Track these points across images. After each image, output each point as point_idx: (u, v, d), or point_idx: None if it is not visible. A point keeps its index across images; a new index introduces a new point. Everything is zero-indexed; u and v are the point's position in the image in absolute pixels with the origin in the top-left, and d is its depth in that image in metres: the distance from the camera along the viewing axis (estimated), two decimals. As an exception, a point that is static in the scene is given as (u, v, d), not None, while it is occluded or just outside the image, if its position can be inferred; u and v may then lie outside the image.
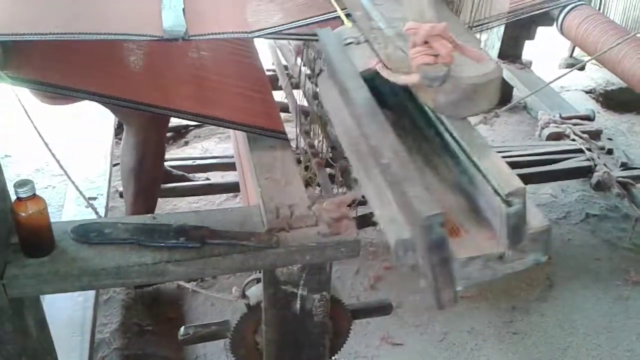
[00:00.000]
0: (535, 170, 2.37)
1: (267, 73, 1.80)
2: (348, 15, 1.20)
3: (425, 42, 0.83)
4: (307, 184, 1.97)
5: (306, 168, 1.60)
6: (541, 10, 1.64)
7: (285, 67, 2.02)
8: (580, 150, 2.47)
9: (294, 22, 1.26)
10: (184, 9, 1.25)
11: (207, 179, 2.54)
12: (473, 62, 0.86)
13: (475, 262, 0.84)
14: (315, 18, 1.24)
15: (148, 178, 2.05)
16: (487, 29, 1.50)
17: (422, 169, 0.99)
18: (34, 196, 1.06)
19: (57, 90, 1.18)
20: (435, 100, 0.91)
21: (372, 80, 1.07)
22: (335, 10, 1.23)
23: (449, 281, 0.82)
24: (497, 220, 0.83)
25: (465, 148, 0.89)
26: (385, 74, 0.96)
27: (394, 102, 1.14)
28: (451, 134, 0.93)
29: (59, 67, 1.22)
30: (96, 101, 1.34)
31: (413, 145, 1.05)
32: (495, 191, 0.81)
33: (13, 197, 1.09)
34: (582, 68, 3.54)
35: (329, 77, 1.17)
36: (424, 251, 0.80)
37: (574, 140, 2.52)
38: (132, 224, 1.19)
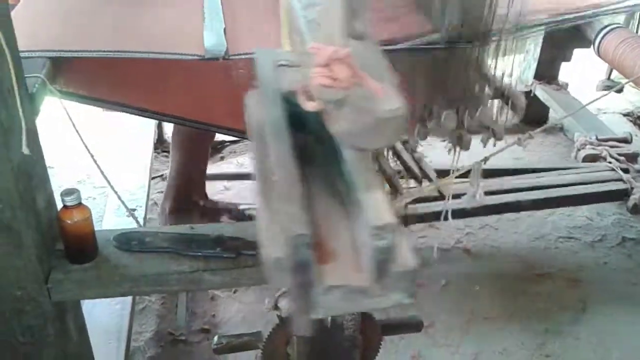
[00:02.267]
0: (570, 193, 2.35)
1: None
2: None
3: (327, 65, 0.83)
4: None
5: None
6: (578, 22, 1.63)
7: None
8: (617, 173, 2.44)
9: None
10: (224, 29, 1.30)
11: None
12: (378, 97, 0.85)
13: (338, 291, 0.82)
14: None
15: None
16: (524, 37, 1.51)
17: (319, 192, 0.99)
18: (79, 204, 1.12)
19: (105, 104, 1.24)
20: (338, 127, 0.90)
21: (296, 104, 1.07)
22: None
23: (307, 306, 0.81)
24: (366, 253, 0.81)
25: (353, 177, 0.89)
26: (299, 96, 0.97)
27: (315, 128, 1.12)
28: (347, 163, 0.93)
29: (106, 83, 1.28)
30: (142, 116, 1.39)
31: (321, 171, 1.04)
32: (368, 224, 0.80)
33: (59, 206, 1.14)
34: (619, 90, 3.51)
35: (257, 94, 1.19)
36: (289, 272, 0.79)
37: (610, 162, 2.49)
38: (171, 234, 1.24)
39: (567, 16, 1.48)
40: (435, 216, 1.92)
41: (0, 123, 0.97)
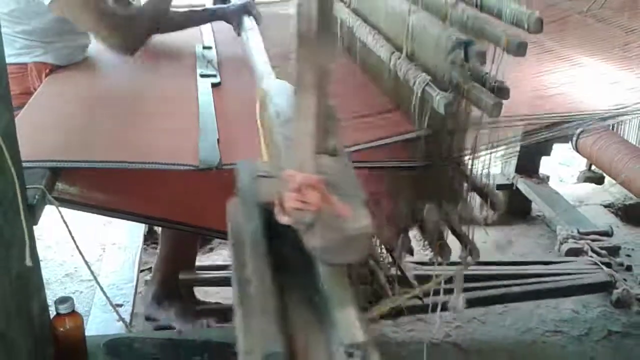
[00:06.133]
0: (554, 286, 2.39)
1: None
2: None
3: (299, 190, 0.90)
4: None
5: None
6: (554, 134, 1.73)
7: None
8: (599, 267, 2.49)
9: None
10: (218, 140, 1.37)
11: None
12: (345, 218, 0.92)
13: None
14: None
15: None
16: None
17: (296, 306, 1.02)
18: (72, 312, 1.14)
19: (100, 211, 1.29)
20: (311, 243, 0.95)
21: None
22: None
23: None
24: None
25: (326, 293, 0.93)
26: (275, 208, 1.04)
27: (293, 238, 1.18)
28: (322, 277, 0.97)
29: (102, 191, 1.33)
30: (136, 221, 1.44)
31: (296, 282, 1.06)
32: (340, 341, 0.83)
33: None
34: (600, 182, 3.62)
35: (238, 204, 1.24)
36: None
37: (591, 257, 2.55)
38: (159, 339, 1.26)
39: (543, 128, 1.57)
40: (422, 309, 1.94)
41: (1, 235, 1.01)
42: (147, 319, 2.21)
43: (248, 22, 2.13)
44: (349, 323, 0.86)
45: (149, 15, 1.85)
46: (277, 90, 1.42)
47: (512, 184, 3.22)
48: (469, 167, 1.45)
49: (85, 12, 1.69)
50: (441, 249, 1.37)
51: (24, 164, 1.12)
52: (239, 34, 2.15)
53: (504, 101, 1.25)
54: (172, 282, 2.23)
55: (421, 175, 1.43)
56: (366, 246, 0.97)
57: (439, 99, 1.28)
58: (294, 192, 0.91)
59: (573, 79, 1.86)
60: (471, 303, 2.16)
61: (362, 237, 0.95)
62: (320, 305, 1.00)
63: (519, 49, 1.18)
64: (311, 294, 1.03)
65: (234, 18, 2.20)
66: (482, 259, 2.25)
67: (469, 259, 1.37)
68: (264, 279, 0.93)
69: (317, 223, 0.91)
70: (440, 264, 1.44)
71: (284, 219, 0.97)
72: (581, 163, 3.58)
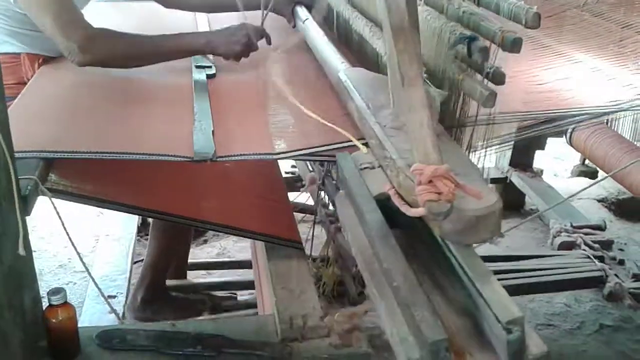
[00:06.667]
0: (547, 280, 2.40)
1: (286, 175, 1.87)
2: (365, 144, 1.30)
3: (430, 182, 0.91)
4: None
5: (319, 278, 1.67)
6: (546, 130, 1.73)
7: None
8: (592, 261, 2.50)
9: (317, 147, 1.37)
10: (213, 131, 1.37)
11: (234, 294, 2.51)
12: (478, 199, 0.94)
13: None
14: (336, 145, 1.36)
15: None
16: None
17: (430, 290, 1.05)
18: (65, 303, 1.14)
19: (94, 202, 1.28)
20: (441, 228, 0.98)
21: (384, 202, 1.15)
22: (355, 138, 1.34)
23: None
24: (499, 346, 0.87)
25: (469, 274, 0.95)
26: (396, 201, 1.05)
27: (405, 222, 1.21)
28: (457, 259, 1.00)
29: (96, 182, 1.32)
30: (131, 213, 1.43)
31: (422, 266, 1.11)
32: (497, 319, 0.86)
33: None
34: (594, 177, 3.63)
35: (345, 197, 1.26)
36: None
37: (584, 250, 2.56)
38: (152, 331, 1.26)
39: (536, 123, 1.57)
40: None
41: (-7, 227, 1.00)
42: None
43: (302, 11, 2.06)
44: (501, 299, 0.88)
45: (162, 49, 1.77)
46: (357, 80, 1.42)
47: (506, 178, 3.23)
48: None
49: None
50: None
51: (16, 155, 1.11)
52: (294, 26, 2.10)
53: (498, 98, 1.25)
54: (161, 286, 2.22)
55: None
56: (499, 223, 0.98)
57: (435, 95, 1.28)
58: (426, 185, 0.92)
59: (568, 75, 1.86)
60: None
61: (495, 213, 0.97)
62: (446, 289, 1.03)
63: (514, 46, 1.17)
64: (441, 280, 1.06)
65: (286, 8, 2.11)
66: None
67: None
68: (405, 271, 0.95)
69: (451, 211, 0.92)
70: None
71: (412, 212, 0.98)
72: (575, 157, 3.59)
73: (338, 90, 1.55)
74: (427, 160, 0.96)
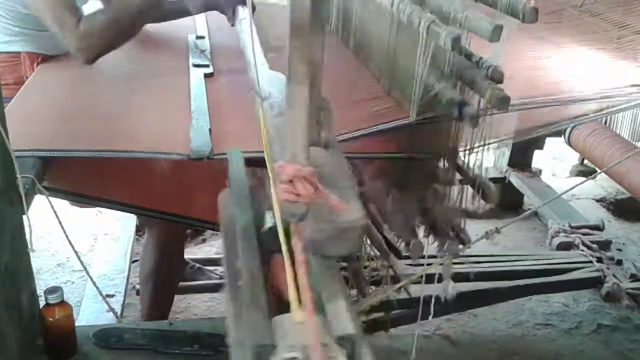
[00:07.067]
0: (545, 280, 2.39)
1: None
2: None
3: (290, 181, 0.89)
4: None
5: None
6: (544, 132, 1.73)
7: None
8: (590, 261, 2.50)
9: None
10: (210, 129, 1.36)
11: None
12: (338, 211, 0.92)
13: None
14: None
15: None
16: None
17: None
18: (62, 302, 1.14)
19: (90, 201, 1.28)
20: (303, 238, 0.94)
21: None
22: None
23: None
24: None
25: (317, 286, 0.92)
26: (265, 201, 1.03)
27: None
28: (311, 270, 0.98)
29: (93, 180, 1.32)
30: (127, 212, 1.43)
31: None
32: (331, 334, 0.83)
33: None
34: (592, 177, 3.63)
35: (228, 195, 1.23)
36: None
37: (582, 251, 2.56)
38: (149, 330, 1.26)
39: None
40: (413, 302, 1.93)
41: (-10, 225, 1.00)
42: None
43: (242, 12, 2.10)
44: (339, 315, 0.87)
45: (135, 9, 1.77)
46: (270, 82, 1.41)
47: (504, 177, 3.23)
48: (463, 158, 1.46)
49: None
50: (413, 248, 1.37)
51: (15, 153, 1.11)
52: (232, 25, 2.13)
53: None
54: (169, 278, 2.21)
55: (414, 165, 1.43)
56: (359, 239, 0.97)
57: (445, 35, 1.21)
58: (285, 184, 0.90)
59: (566, 73, 1.86)
60: (462, 300, 2.17)
61: (355, 229, 0.95)
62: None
63: (494, 35, 1.15)
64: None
65: (228, 8, 2.17)
66: (473, 252, 2.32)
67: (460, 247, 1.37)
68: (254, 272, 0.93)
69: (308, 216, 0.90)
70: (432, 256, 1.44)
71: (274, 211, 0.96)
72: (574, 157, 3.59)
73: None
74: (293, 160, 0.93)
